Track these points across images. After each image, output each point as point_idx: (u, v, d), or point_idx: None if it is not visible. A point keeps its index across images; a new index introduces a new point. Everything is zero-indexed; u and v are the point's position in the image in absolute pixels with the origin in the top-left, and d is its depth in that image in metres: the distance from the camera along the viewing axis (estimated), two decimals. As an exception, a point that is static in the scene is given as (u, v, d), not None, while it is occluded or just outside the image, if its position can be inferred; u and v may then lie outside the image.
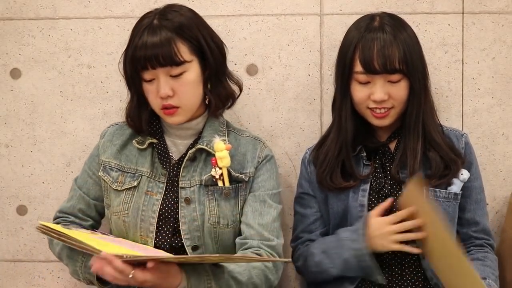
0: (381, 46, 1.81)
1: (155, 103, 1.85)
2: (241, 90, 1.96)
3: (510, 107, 2.12)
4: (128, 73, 1.85)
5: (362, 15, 1.93)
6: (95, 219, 1.98)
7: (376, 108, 1.86)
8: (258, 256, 1.79)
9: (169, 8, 1.86)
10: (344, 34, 1.91)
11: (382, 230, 1.80)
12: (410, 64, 1.82)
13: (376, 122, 1.89)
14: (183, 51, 1.81)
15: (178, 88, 1.82)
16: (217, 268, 1.74)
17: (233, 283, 1.75)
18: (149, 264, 1.58)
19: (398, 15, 1.93)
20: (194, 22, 1.85)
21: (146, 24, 1.82)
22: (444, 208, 1.88)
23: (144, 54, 1.79)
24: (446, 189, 1.89)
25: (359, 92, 1.86)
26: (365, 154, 1.92)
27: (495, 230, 2.14)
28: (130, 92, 1.90)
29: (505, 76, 2.11)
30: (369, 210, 1.88)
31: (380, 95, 1.83)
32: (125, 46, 1.86)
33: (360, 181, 1.90)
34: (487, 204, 2.11)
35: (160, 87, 1.81)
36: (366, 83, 1.85)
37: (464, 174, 1.90)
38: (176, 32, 1.80)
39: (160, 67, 1.80)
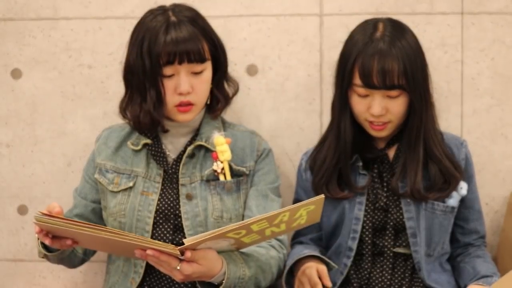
0: (381, 61, 1.78)
1: (172, 99, 1.83)
2: (236, 91, 1.96)
3: (509, 107, 2.12)
4: (147, 68, 1.80)
5: (367, 19, 1.90)
6: (94, 222, 1.94)
7: (374, 121, 1.85)
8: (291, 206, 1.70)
9: (180, 7, 1.86)
10: (347, 37, 1.89)
11: None
12: (410, 79, 1.80)
13: (374, 133, 1.88)
14: (206, 49, 1.83)
15: (197, 86, 1.83)
16: (248, 256, 1.76)
17: (260, 271, 1.78)
18: (187, 254, 1.59)
19: (398, 15, 1.92)
20: (206, 23, 1.87)
21: (164, 20, 1.80)
22: (440, 221, 1.88)
23: (175, 49, 1.78)
24: (444, 202, 1.88)
25: (358, 104, 1.85)
26: (361, 163, 1.91)
27: (495, 230, 2.14)
28: (131, 90, 1.87)
29: (504, 76, 2.11)
30: (364, 223, 1.88)
31: (377, 110, 1.82)
32: (125, 46, 1.87)
33: (356, 193, 1.89)
34: (487, 204, 2.12)
35: (181, 83, 1.81)
36: (365, 96, 1.83)
37: (463, 188, 1.90)
38: (199, 30, 1.82)
39: (187, 63, 1.80)
